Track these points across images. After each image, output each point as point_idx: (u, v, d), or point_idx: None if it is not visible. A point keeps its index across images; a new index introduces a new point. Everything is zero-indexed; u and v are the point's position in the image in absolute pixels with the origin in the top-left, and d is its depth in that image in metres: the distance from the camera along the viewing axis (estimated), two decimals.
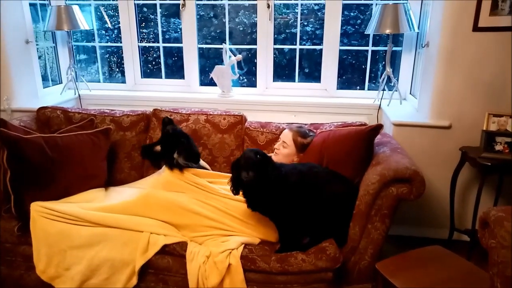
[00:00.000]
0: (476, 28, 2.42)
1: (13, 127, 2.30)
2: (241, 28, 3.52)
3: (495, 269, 1.38)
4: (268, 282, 1.93)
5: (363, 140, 2.11)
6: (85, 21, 3.26)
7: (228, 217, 2.08)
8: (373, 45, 3.24)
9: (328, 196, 1.96)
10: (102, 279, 1.98)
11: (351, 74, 3.53)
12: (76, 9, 3.20)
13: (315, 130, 2.48)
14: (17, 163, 2.13)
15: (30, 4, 3.17)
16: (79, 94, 3.39)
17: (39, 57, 3.35)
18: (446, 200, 2.67)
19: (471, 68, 2.49)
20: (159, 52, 3.53)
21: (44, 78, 3.45)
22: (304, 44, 3.43)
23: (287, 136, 2.37)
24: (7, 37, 2.92)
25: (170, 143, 2.29)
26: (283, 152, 2.33)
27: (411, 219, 2.80)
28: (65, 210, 2.07)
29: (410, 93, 3.13)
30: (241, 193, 1.97)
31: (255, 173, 1.83)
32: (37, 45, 3.29)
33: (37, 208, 2.09)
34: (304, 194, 1.95)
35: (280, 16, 3.40)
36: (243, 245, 1.97)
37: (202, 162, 2.48)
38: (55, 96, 3.34)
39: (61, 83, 3.60)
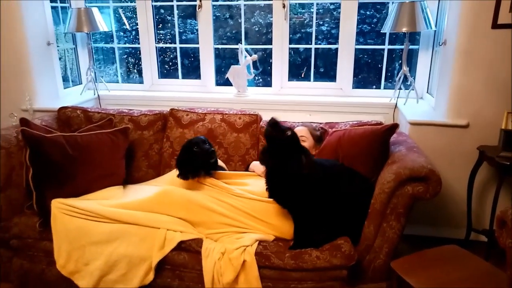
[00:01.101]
0: (495, 25, 2.38)
1: (35, 127, 2.37)
2: (257, 28, 3.54)
3: None
4: (282, 278, 1.94)
5: (379, 139, 2.10)
6: (104, 23, 3.33)
7: (243, 215, 2.10)
8: (390, 43, 3.22)
9: (347, 195, 1.97)
10: (120, 275, 2.01)
11: (367, 73, 3.52)
12: (95, 11, 3.27)
13: (330, 129, 2.49)
14: (39, 161, 2.19)
15: (52, 7, 3.26)
16: (98, 95, 3.47)
17: (60, 59, 3.44)
18: (463, 199, 2.63)
19: (490, 66, 2.45)
20: (176, 52, 3.58)
21: (65, 79, 3.54)
22: (320, 44, 3.42)
23: (302, 130, 2.42)
24: (29, 39, 3.02)
25: (204, 166, 2.27)
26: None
27: (428, 218, 2.77)
28: (85, 206, 2.12)
29: (427, 92, 3.10)
30: (264, 179, 1.99)
31: (291, 137, 1.91)
32: (57, 46, 3.38)
33: (57, 204, 2.14)
34: (326, 189, 1.96)
35: (296, 16, 3.41)
36: (257, 242, 1.98)
37: (219, 162, 2.51)
38: (75, 97, 3.42)
39: (81, 83, 3.69)
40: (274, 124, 1.93)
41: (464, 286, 1.64)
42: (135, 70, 3.98)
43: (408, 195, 1.87)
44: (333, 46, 3.34)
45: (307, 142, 2.40)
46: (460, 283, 1.66)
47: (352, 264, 1.88)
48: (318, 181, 1.96)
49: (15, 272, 2.26)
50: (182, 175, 2.26)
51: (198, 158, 2.22)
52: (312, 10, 3.30)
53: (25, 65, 3.04)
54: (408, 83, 3.01)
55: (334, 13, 3.34)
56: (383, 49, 3.24)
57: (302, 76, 3.51)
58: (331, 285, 1.94)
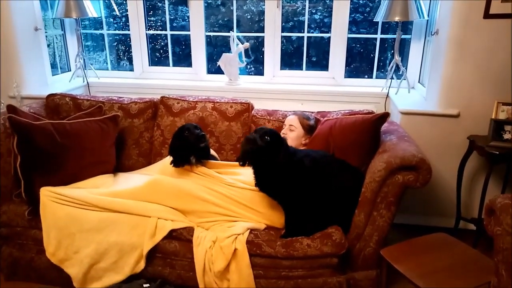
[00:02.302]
0: (487, 15, 2.38)
1: (23, 114, 2.33)
2: (249, 16, 3.50)
3: (500, 256, 1.38)
4: (273, 266, 1.96)
5: (370, 128, 2.11)
6: (93, 8, 3.27)
7: (234, 204, 2.10)
8: (382, 33, 3.21)
9: (338, 187, 1.98)
10: (111, 263, 2.01)
11: (359, 63, 3.51)
12: None
13: (321, 118, 2.49)
14: (27, 149, 2.16)
15: None
16: (87, 82, 3.41)
17: (48, 45, 3.37)
18: (453, 189, 2.66)
19: (481, 56, 2.46)
20: (167, 40, 3.54)
21: (53, 65, 3.48)
22: (312, 32, 3.40)
23: (293, 120, 2.41)
24: (16, 25, 2.94)
25: (194, 151, 2.25)
26: (291, 135, 2.36)
27: (418, 207, 2.80)
28: (74, 195, 2.10)
29: (419, 82, 3.11)
30: (252, 174, 2.01)
31: (268, 140, 1.91)
32: (46, 32, 3.31)
33: (46, 192, 2.12)
34: (315, 181, 1.96)
35: (288, 4, 3.38)
36: (249, 230, 1.99)
37: (211, 152, 2.49)
38: (64, 84, 3.37)
39: (70, 70, 3.63)
40: (250, 141, 1.92)
41: (453, 273, 1.67)
42: (125, 57, 3.92)
43: (399, 183, 1.88)
44: (325, 35, 3.32)
45: (295, 131, 2.39)
46: (449, 270, 1.69)
47: (343, 252, 1.90)
48: (306, 172, 1.96)
49: (5, 261, 2.24)
50: (175, 162, 2.24)
51: (188, 143, 2.20)
52: None
53: (12, 51, 2.97)
54: (400, 72, 3.01)
55: (327, 1, 3.31)
56: (376, 39, 3.23)
57: (294, 65, 3.49)
58: (322, 272, 1.96)
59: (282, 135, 2.37)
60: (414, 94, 2.99)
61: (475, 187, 2.71)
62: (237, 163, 2.39)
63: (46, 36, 3.32)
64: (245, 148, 1.94)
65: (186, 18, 3.45)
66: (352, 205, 1.99)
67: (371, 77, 3.32)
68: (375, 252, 1.97)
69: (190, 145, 2.21)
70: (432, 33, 2.78)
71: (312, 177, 1.96)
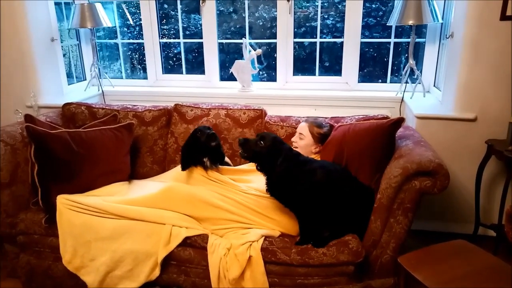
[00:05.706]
0: (504, 17, 2.34)
1: (40, 123, 2.36)
2: (261, 23, 3.51)
3: None
4: (288, 274, 1.94)
5: (385, 134, 2.07)
6: (107, 18, 3.32)
7: (248, 211, 2.09)
8: (396, 37, 3.18)
9: (347, 197, 1.97)
10: (126, 270, 2.02)
11: (373, 67, 3.48)
12: (99, 6, 3.26)
13: (335, 124, 2.46)
14: (44, 158, 2.19)
15: (55, 3, 3.25)
16: (102, 91, 3.46)
17: (64, 55, 3.43)
18: (471, 194, 2.61)
19: (498, 59, 2.41)
20: (180, 48, 3.56)
21: (69, 75, 3.54)
22: (325, 38, 3.39)
23: (303, 128, 2.39)
24: (33, 36, 3.01)
25: (207, 152, 2.28)
26: (300, 143, 2.35)
27: (436, 213, 2.75)
28: (90, 202, 2.12)
29: (434, 86, 3.06)
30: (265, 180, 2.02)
31: (266, 145, 1.97)
32: (61, 43, 3.37)
33: (63, 200, 2.14)
34: (326, 192, 1.94)
35: (300, 9, 3.38)
36: (263, 237, 1.98)
37: (225, 159, 2.49)
38: (80, 93, 3.42)
39: (85, 80, 3.68)
40: (242, 143, 2.02)
41: (472, 281, 1.62)
42: (139, 66, 3.97)
43: (416, 189, 1.84)
44: (338, 40, 3.30)
45: (304, 140, 2.36)
46: (468, 278, 1.64)
47: (360, 260, 1.87)
48: (316, 183, 1.94)
49: (22, 268, 2.27)
50: (184, 163, 2.29)
51: (200, 142, 2.24)
52: (316, 3, 3.26)
53: (29, 62, 3.04)
54: (415, 76, 2.97)
55: (339, 6, 3.30)
56: (389, 43, 3.21)
57: (307, 70, 3.48)
58: (338, 280, 1.94)
59: (293, 143, 2.37)
60: (430, 98, 2.94)
61: (494, 192, 2.65)
62: (250, 168, 2.40)
63: (62, 46, 3.39)
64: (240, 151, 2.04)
65: (198, 26, 3.48)
66: (362, 216, 1.97)
67: (385, 82, 3.29)
68: (392, 259, 1.93)
69: (201, 145, 2.23)
70: (447, 36, 2.74)
71: (322, 188, 1.94)
